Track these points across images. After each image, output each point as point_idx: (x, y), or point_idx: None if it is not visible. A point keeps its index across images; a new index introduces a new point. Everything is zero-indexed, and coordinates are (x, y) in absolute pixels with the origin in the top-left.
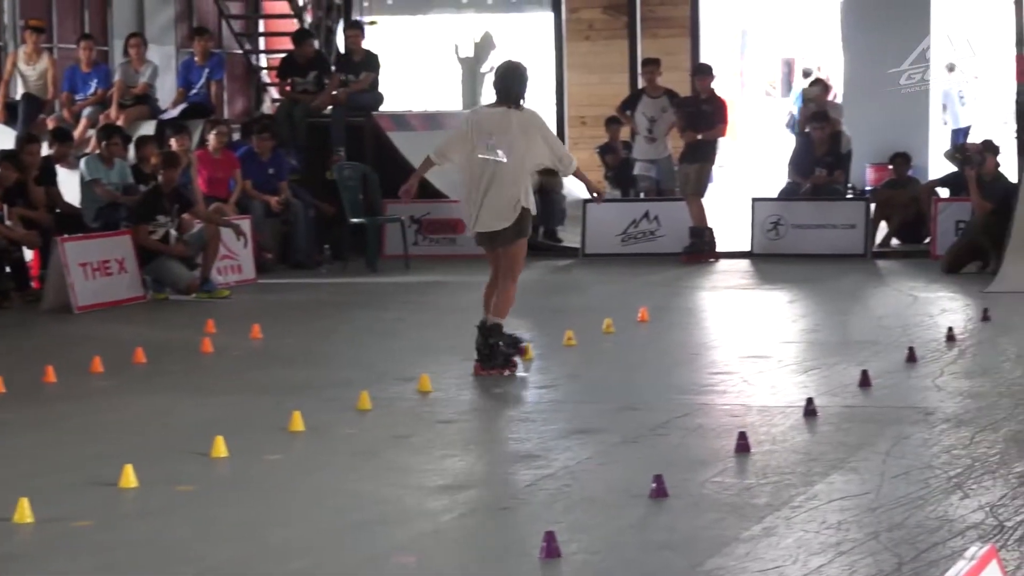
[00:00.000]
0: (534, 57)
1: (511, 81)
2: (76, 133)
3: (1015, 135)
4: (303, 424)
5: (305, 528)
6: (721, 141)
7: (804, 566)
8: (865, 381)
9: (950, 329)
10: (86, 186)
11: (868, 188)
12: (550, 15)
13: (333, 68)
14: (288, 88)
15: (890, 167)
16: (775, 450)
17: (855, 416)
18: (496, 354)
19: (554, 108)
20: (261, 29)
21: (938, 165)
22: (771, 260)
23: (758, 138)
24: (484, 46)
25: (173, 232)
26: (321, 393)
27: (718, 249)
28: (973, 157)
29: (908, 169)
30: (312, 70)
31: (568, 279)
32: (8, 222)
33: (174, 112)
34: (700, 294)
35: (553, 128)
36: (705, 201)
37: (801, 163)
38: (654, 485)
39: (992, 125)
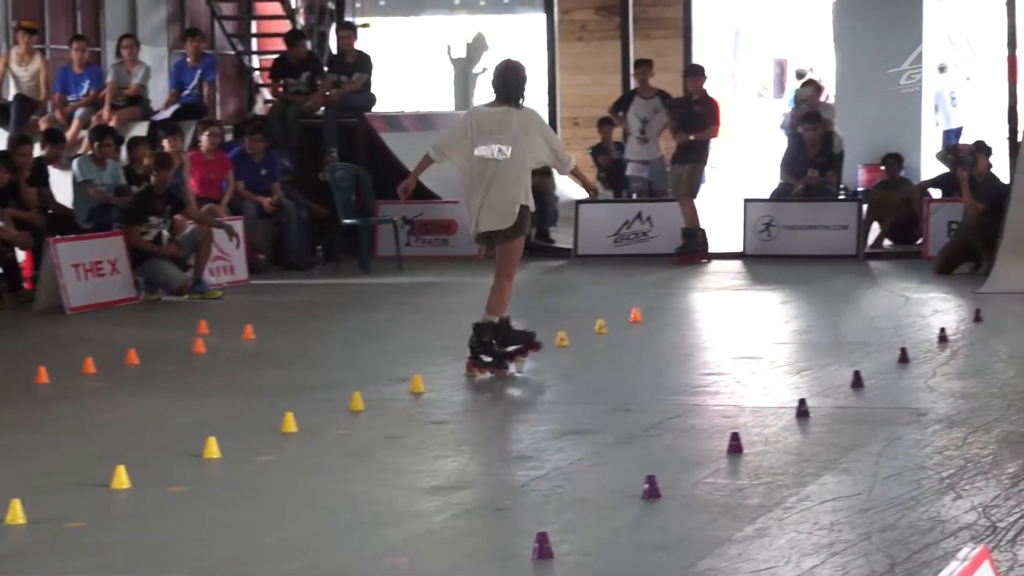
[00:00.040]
0: (526, 58)
1: (510, 80)
2: (68, 134)
3: (1007, 136)
4: (296, 425)
5: (298, 529)
6: (713, 142)
7: (797, 567)
8: (857, 382)
9: (942, 330)
10: (78, 187)
11: (860, 189)
12: (542, 16)
13: (326, 69)
14: (281, 89)
15: (882, 168)
16: (767, 451)
17: (847, 417)
18: (491, 352)
19: (546, 109)
20: (254, 30)
21: (930, 166)
22: (763, 261)
23: (750, 139)
24: (476, 47)
25: (165, 233)
26: (314, 394)
27: (710, 250)
28: (965, 158)
29: (900, 170)
30: (305, 71)
31: (560, 280)
32: (0, 223)
33: (166, 113)
34: (692, 295)
35: None
36: (697, 202)
37: (793, 164)
38: (647, 486)
39: (985, 126)
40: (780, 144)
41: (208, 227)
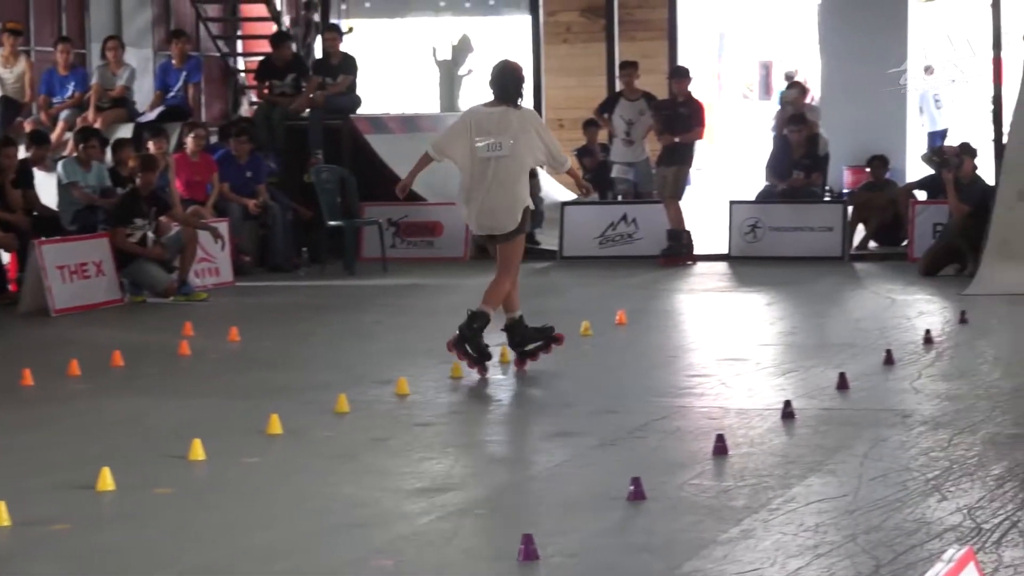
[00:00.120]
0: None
1: (508, 80)
2: (53, 136)
3: (991, 138)
4: (281, 427)
5: (283, 531)
6: (698, 144)
7: (782, 568)
8: (843, 384)
9: (928, 332)
10: (63, 189)
11: (845, 191)
12: (528, 18)
13: (311, 71)
14: (266, 91)
15: (867, 170)
16: (753, 453)
17: (833, 419)
18: (475, 345)
19: None
20: (239, 32)
21: (916, 168)
22: (749, 263)
23: (736, 141)
24: (462, 49)
25: (151, 235)
26: (299, 396)
27: (696, 252)
28: (950, 160)
29: (885, 172)
30: (290, 73)
31: (546, 282)
32: None
33: (151, 115)
34: (678, 297)
35: None
36: (683, 204)
37: (778, 166)
38: (632, 488)
39: (970, 127)
40: (766, 146)
41: (193, 229)
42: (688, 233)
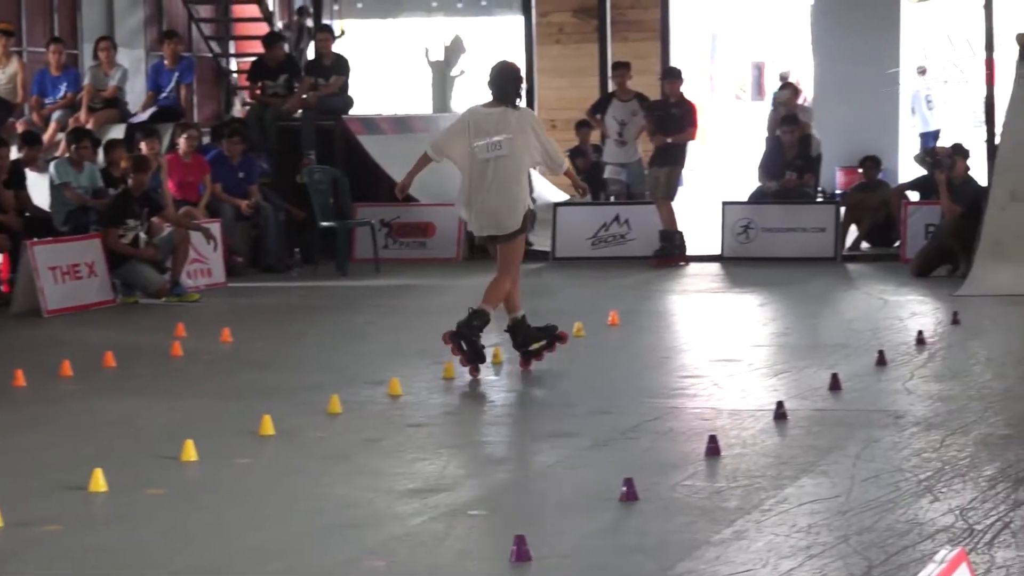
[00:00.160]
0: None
1: (506, 81)
2: (45, 137)
3: (984, 139)
4: (273, 428)
5: (276, 532)
6: (691, 145)
7: (774, 569)
8: (835, 384)
9: (920, 332)
10: (55, 190)
11: (838, 191)
12: (520, 19)
13: (303, 72)
14: (258, 91)
15: (860, 170)
16: (745, 454)
17: (825, 419)
18: (471, 344)
19: None
20: (231, 33)
21: (908, 168)
22: (741, 263)
23: (728, 141)
24: (454, 50)
25: (143, 236)
26: (291, 397)
27: (688, 253)
28: (943, 161)
29: (878, 172)
30: (282, 73)
31: (538, 283)
32: None
33: (144, 116)
34: (670, 298)
35: None
36: (675, 205)
37: (771, 166)
38: (624, 489)
39: (962, 128)
40: (758, 146)
41: (185, 230)
42: (680, 234)
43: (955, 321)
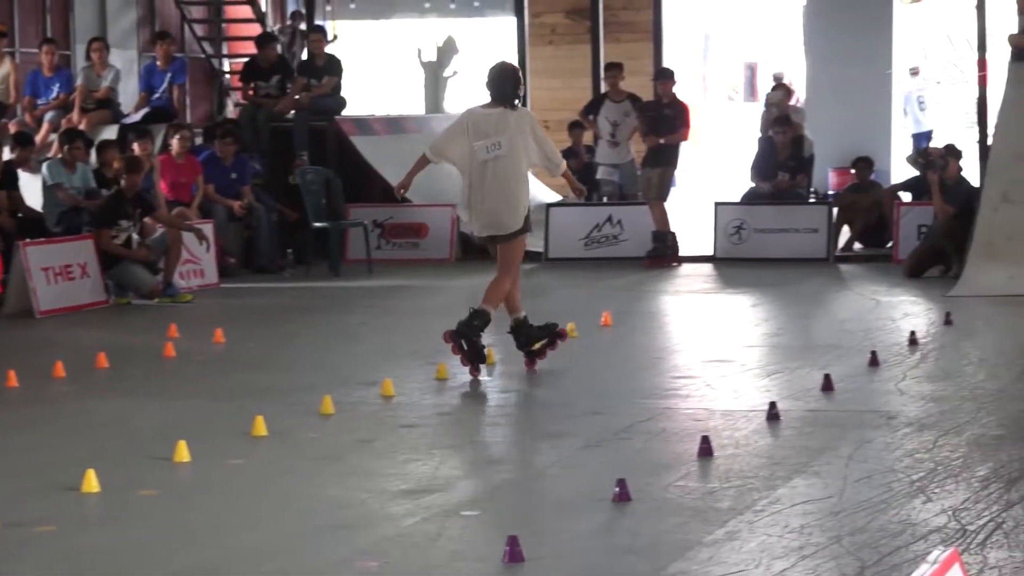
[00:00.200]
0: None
1: (505, 82)
2: (38, 137)
3: (977, 140)
4: (266, 429)
5: (268, 533)
6: (683, 145)
7: (767, 570)
8: (828, 385)
9: (912, 333)
10: (48, 190)
11: (831, 192)
12: (513, 19)
13: (296, 72)
14: (251, 92)
15: (852, 171)
16: (738, 454)
17: (818, 420)
18: (471, 343)
19: None
20: (224, 34)
21: (901, 169)
22: (734, 264)
23: (721, 142)
24: (447, 50)
25: (135, 236)
26: (284, 397)
27: (681, 253)
28: (936, 161)
29: (870, 173)
30: (275, 74)
31: (531, 283)
32: None
33: (136, 116)
34: (663, 298)
35: None
36: (668, 205)
37: (764, 167)
38: (617, 489)
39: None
40: (751, 147)
41: (178, 230)
42: (673, 235)
43: (948, 322)
